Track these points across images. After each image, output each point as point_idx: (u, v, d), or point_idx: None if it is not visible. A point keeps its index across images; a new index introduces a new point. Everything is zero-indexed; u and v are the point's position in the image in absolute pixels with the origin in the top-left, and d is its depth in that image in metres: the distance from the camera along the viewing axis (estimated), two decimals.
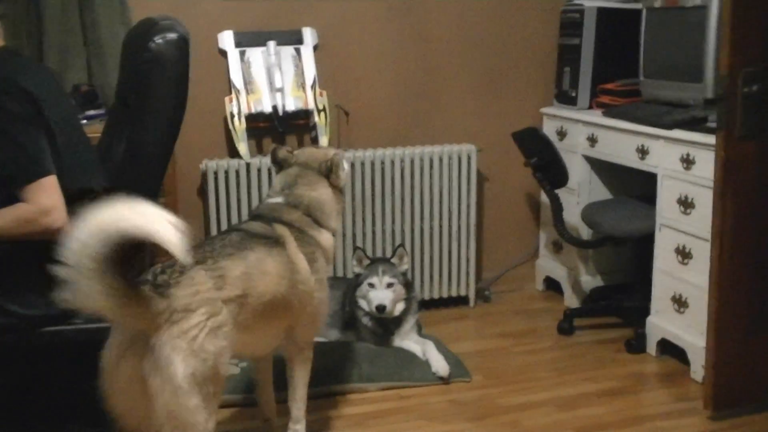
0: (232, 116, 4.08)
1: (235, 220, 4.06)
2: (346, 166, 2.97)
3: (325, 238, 2.87)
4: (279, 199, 2.88)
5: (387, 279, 3.72)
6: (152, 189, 2.78)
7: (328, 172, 2.92)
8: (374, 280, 3.75)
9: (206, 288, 2.31)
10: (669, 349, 3.82)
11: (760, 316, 3.28)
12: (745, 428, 3.21)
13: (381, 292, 3.71)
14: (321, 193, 2.91)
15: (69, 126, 2.73)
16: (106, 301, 2.03)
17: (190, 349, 2.22)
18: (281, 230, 2.73)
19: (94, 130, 3.29)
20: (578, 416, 3.33)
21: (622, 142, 4.02)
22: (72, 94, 3.78)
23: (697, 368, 3.55)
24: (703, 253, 3.43)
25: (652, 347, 3.88)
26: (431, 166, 4.37)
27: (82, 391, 2.20)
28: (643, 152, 3.86)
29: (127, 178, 2.73)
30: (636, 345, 3.92)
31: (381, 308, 3.68)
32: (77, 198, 2.65)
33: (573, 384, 3.63)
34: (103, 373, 2.24)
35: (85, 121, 3.64)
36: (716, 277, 3.18)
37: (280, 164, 3.00)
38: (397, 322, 3.83)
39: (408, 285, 3.86)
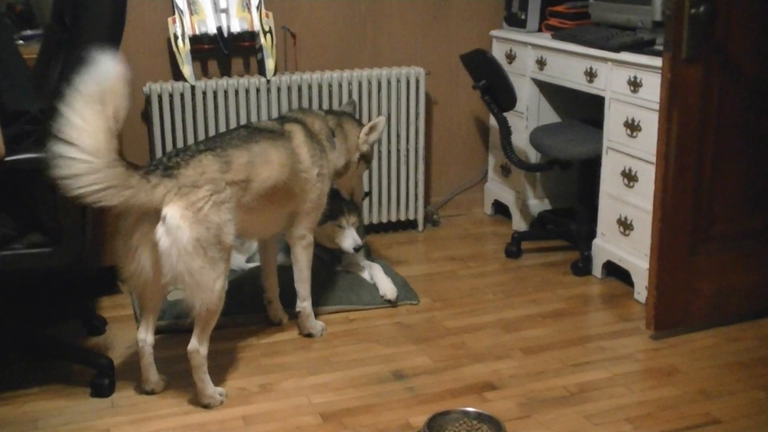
0: (176, 38, 3.97)
1: (180, 144, 3.98)
2: (376, 135, 3.48)
3: (333, 156, 3.29)
4: (320, 111, 3.44)
5: (353, 219, 3.63)
6: None
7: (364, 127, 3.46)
8: (342, 221, 3.60)
9: (212, 170, 2.76)
10: (614, 271, 3.88)
11: (702, 238, 3.34)
12: (684, 347, 3.28)
13: (352, 232, 3.62)
14: (352, 132, 3.42)
15: (1, 46, 2.65)
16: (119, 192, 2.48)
17: (195, 218, 2.65)
18: (290, 127, 3.15)
19: (31, 51, 3.20)
20: (523, 337, 3.38)
21: (570, 65, 4.01)
22: (5, 13, 3.65)
23: (641, 289, 3.61)
24: (648, 176, 3.45)
25: (597, 269, 3.93)
26: (379, 89, 4.32)
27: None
28: (591, 75, 3.86)
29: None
30: (582, 267, 3.97)
31: (358, 248, 3.63)
32: (12, 120, 2.59)
33: (519, 306, 3.67)
34: (118, 237, 2.71)
35: (20, 42, 3.53)
36: (660, 198, 3.22)
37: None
38: None
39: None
